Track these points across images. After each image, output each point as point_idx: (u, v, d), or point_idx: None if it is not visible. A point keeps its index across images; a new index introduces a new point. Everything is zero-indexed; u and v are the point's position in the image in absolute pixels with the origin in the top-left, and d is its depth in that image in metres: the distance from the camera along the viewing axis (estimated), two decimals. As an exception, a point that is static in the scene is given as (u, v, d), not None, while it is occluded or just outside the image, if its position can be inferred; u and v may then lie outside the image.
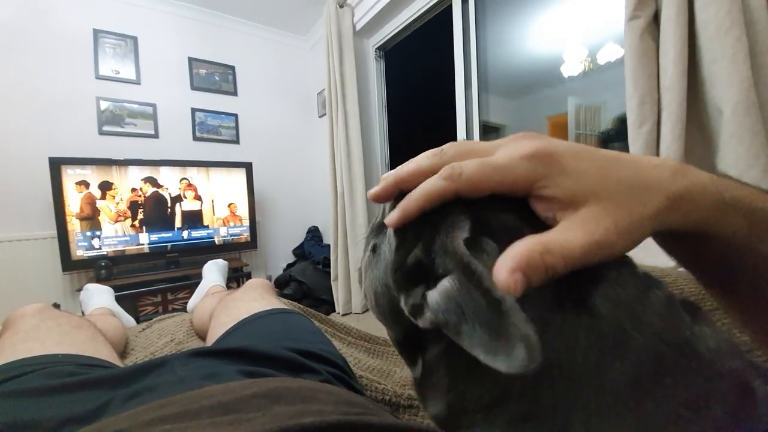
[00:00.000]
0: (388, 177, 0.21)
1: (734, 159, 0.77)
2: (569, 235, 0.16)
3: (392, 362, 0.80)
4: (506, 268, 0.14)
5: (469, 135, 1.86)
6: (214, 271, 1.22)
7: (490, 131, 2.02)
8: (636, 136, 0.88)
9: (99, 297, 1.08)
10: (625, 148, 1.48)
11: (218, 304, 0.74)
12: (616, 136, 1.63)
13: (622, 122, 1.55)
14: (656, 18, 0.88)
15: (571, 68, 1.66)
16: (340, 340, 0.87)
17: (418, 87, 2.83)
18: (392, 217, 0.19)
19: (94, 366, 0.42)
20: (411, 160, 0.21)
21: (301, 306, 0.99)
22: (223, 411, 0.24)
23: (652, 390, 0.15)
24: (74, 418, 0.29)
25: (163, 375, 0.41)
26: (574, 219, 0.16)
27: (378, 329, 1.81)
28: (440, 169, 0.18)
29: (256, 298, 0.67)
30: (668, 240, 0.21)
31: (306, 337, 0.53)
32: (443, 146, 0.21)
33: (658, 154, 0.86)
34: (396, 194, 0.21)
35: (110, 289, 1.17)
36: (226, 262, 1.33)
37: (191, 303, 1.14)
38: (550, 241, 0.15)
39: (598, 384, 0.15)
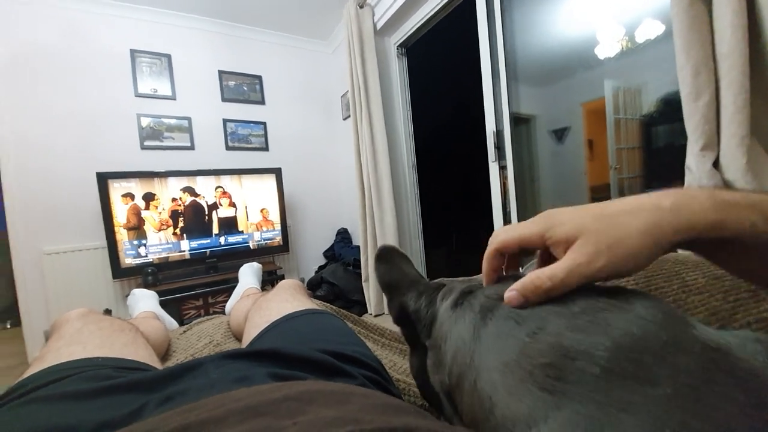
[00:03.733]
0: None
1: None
2: (559, 264, 0.23)
3: (428, 364, 0.77)
4: (510, 290, 0.24)
5: (499, 126, 1.79)
6: (249, 275, 1.24)
7: (520, 122, 1.93)
8: (693, 111, 0.79)
9: (144, 301, 1.14)
10: (672, 131, 1.35)
11: (252, 306, 0.74)
12: (659, 119, 1.49)
13: (666, 103, 1.42)
14: (708, -22, 0.79)
15: (607, 49, 1.55)
16: (374, 341, 0.85)
17: (442, 82, 2.78)
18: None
19: (132, 369, 0.43)
20: (511, 227, 0.29)
21: (333, 307, 0.98)
22: (253, 414, 0.23)
23: None
24: (109, 423, 0.29)
25: (197, 378, 0.40)
26: (568, 252, 0.23)
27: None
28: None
29: (288, 299, 0.66)
30: (703, 251, 0.25)
31: (338, 338, 0.51)
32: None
33: (718, 128, 0.77)
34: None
35: (155, 293, 1.23)
36: (260, 265, 1.36)
37: (228, 305, 1.17)
38: (543, 270, 0.23)
39: None
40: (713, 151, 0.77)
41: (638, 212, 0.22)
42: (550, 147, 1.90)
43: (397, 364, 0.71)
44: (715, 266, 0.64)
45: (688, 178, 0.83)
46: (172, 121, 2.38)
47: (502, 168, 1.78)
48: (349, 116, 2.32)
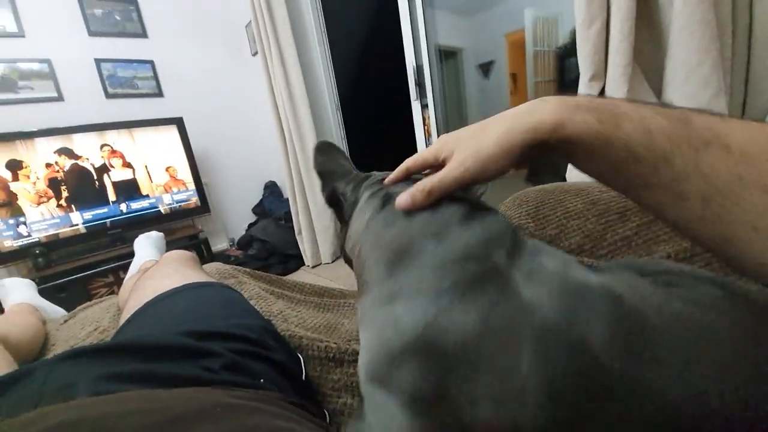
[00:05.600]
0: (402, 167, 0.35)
1: (685, 55, 0.71)
2: (438, 172, 0.28)
3: (342, 314, 0.77)
4: (401, 194, 0.28)
5: (418, 61, 1.69)
6: (146, 246, 1.11)
7: (448, 56, 1.85)
8: (584, 39, 0.79)
9: (16, 292, 0.97)
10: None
11: (135, 284, 0.65)
12: (573, 50, 1.53)
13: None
14: None
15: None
16: (288, 300, 0.82)
17: (362, 7, 2.51)
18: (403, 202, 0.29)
19: None
20: (418, 153, 0.34)
21: (247, 270, 0.93)
22: None
23: None
24: None
25: (24, 387, 0.34)
26: (447, 162, 0.28)
27: (342, 278, 1.79)
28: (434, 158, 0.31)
29: (170, 274, 0.59)
30: (565, 156, 0.25)
31: (216, 312, 0.47)
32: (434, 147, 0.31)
33: (606, 57, 0.78)
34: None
35: (29, 281, 1.05)
36: (160, 234, 1.21)
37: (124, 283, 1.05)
38: (428, 177, 0.28)
39: None
40: (601, 80, 0.80)
41: (502, 119, 0.26)
42: (477, 83, 1.88)
43: (306, 320, 0.69)
44: (593, 194, 0.68)
45: (578, 109, 0.86)
46: (27, 66, 1.87)
47: (425, 107, 1.73)
48: (257, 52, 2.02)
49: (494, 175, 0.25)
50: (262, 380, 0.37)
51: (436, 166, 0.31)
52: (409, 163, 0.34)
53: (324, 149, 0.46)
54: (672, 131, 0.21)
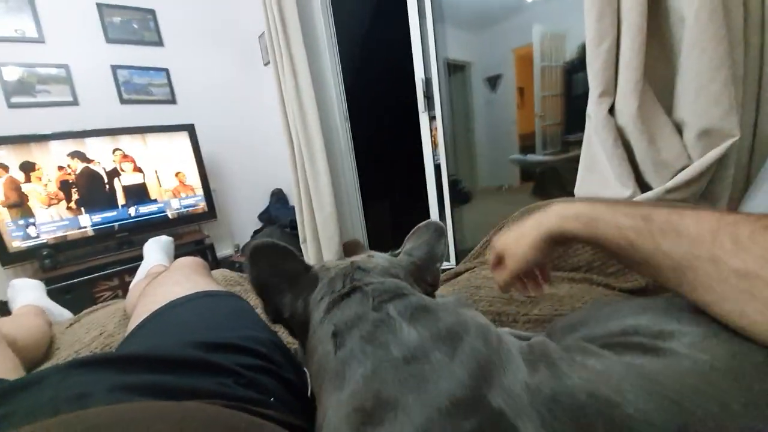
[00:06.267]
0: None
1: (695, 72, 0.71)
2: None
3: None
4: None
5: (427, 74, 1.71)
6: (155, 250, 1.11)
7: (456, 70, 1.87)
8: (595, 56, 0.79)
9: (25, 293, 0.97)
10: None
11: (144, 289, 0.65)
12: (580, 66, 1.54)
13: (585, 50, 1.44)
14: None
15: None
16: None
17: (372, 21, 2.55)
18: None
19: None
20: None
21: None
22: None
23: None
24: None
25: (35, 395, 0.34)
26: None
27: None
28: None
29: (180, 281, 0.59)
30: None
31: (226, 323, 0.47)
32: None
33: (616, 73, 0.79)
34: None
35: (39, 283, 1.06)
36: (170, 238, 1.22)
37: (131, 287, 1.05)
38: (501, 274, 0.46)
39: None
40: (611, 97, 0.80)
41: (525, 232, 0.41)
42: (485, 96, 1.89)
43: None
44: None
45: (587, 125, 0.86)
46: (45, 71, 1.92)
47: (432, 119, 1.74)
48: (269, 62, 2.05)
49: (535, 264, 0.42)
50: (272, 399, 0.37)
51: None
52: (516, 267, 0.44)
53: (258, 256, 0.35)
54: (636, 226, 0.30)
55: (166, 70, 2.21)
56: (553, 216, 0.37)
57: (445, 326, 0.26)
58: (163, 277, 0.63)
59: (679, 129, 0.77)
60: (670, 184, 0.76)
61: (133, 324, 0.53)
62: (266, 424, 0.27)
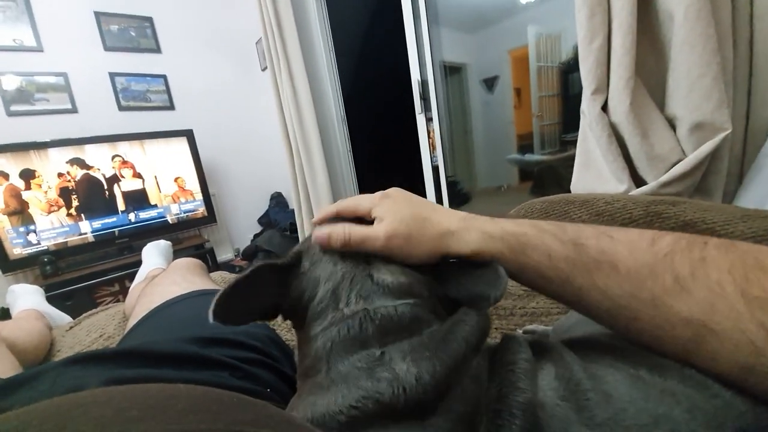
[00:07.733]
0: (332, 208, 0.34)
1: (686, 68, 0.72)
2: (369, 231, 0.29)
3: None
4: (321, 230, 0.29)
5: (423, 75, 1.72)
6: (153, 254, 1.12)
7: (453, 72, 1.88)
8: (586, 54, 0.80)
9: (25, 298, 0.98)
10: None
11: (143, 290, 0.66)
12: (576, 66, 1.56)
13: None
14: None
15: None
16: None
17: (368, 25, 2.58)
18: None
19: None
20: (354, 198, 0.34)
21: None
22: None
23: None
24: None
25: (34, 389, 0.34)
26: (377, 224, 0.29)
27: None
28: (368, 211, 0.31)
29: (177, 281, 0.59)
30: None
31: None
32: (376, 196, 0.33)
33: (608, 71, 0.80)
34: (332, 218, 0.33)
35: (37, 288, 1.06)
36: (168, 243, 1.23)
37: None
38: (355, 227, 0.29)
39: None
40: (603, 94, 0.81)
41: (438, 229, 0.29)
42: (482, 97, 1.90)
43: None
44: (598, 205, 0.68)
45: (582, 122, 0.87)
46: (44, 79, 1.94)
47: (429, 120, 1.75)
48: (267, 67, 2.07)
49: (405, 262, 0.29)
50: (269, 390, 0.37)
51: (365, 219, 0.30)
52: (340, 206, 0.33)
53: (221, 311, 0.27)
54: (567, 255, 0.24)
55: (164, 77, 2.23)
56: (476, 237, 0.28)
57: (444, 372, 0.21)
58: (160, 278, 0.63)
59: (671, 124, 0.78)
60: (665, 178, 0.76)
61: (131, 324, 0.54)
62: (257, 401, 0.27)
